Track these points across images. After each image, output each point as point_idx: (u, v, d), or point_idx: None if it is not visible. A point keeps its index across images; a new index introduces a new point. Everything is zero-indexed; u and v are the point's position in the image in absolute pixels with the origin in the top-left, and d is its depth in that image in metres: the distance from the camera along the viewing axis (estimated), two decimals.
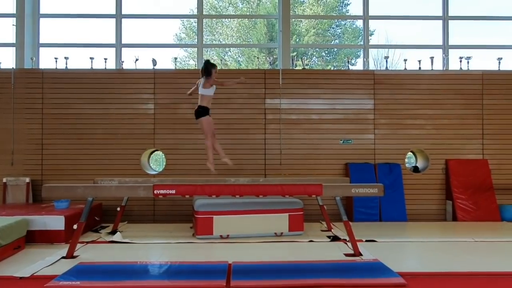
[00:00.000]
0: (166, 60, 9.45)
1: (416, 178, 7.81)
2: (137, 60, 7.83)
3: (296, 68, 8.33)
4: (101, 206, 7.11)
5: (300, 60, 8.33)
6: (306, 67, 8.25)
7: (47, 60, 8.17)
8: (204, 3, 8.79)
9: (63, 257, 4.69)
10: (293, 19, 9.51)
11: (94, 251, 5.10)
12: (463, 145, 7.85)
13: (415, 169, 8.06)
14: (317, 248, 5.31)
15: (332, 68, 10.70)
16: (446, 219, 7.68)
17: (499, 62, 8.04)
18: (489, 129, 7.86)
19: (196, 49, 9.90)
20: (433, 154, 7.83)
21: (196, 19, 8.88)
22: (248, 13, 12.52)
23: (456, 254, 4.94)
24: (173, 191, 4.76)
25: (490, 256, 4.84)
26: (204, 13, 8.79)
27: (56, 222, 5.47)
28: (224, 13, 11.99)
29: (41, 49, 8.36)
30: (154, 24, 9.10)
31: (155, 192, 4.74)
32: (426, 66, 8.02)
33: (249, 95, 7.80)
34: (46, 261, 4.53)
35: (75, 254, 4.82)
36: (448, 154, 7.83)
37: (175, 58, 8.15)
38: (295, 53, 8.95)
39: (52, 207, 6.30)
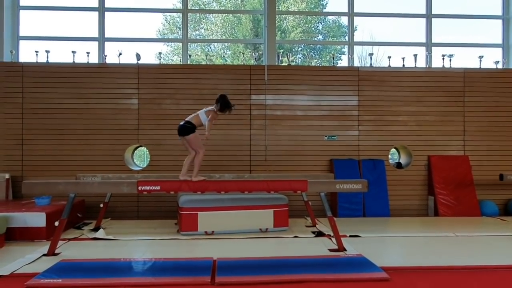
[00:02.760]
0: (149, 55, 9.31)
1: (399, 174, 7.91)
2: (120, 54, 7.71)
3: (282, 64, 8.32)
4: (84, 203, 7.00)
5: (286, 56, 8.32)
6: (291, 63, 8.24)
7: (28, 53, 7.98)
8: None
9: (44, 255, 4.60)
10: (278, 15, 9.48)
11: (77, 248, 5.01)
12: (445, 142, 7.98)
13: (398, 165, 8.16)
14: (302, 243, 5.33)
15: (317, 65, 10.72)
16: (428, 214, 7.80)
17: (480, 60, 8.18)
18: (470, 126, 8.00)
19: (180, 44, 9.78)
20: (416, 150, 7.94)
21: (180, 14, 8.78)
22: (232, 8, 12.45)
23: (438, 248, 5.01)
24: (158, 187, 4.72)
25: (471, 250, 4.93)
26: (188, 7, 8.69)
27: (37, 219, 5.36)
28: (208, 8, 11.85)
29: (21, 42, 8.16)
30: (136, 19, 8.94)
31: (139, 188, 4.69)
32: (409, 63, 8.12)
33: (235, 91, 7.76)
34: (27, 258, 4.44)
35: (56, 251, 4.73)
36: (430, 150, 7.95)
37: (160, 53, 8.03)
38: (282, 50, 8.94)
39: (32, 203, 6.18)
